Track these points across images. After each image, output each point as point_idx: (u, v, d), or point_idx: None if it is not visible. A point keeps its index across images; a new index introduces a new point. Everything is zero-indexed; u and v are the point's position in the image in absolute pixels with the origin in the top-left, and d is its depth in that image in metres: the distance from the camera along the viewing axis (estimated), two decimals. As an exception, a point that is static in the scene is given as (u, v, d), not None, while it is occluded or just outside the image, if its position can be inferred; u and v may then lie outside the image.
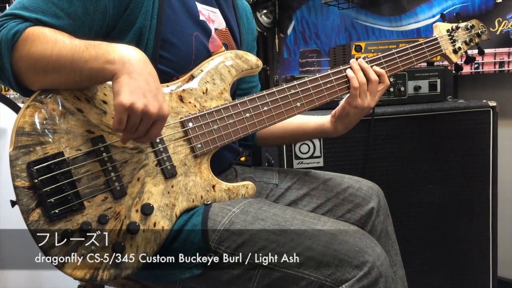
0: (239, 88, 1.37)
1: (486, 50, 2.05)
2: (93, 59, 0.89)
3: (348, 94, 1.21)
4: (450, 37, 1.41)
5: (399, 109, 1.76)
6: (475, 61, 2.14)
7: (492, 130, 1.79)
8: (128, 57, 0.90)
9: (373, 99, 1.21)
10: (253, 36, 1.43)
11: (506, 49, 2.07)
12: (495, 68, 2.11)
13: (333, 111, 1.27)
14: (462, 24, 1.44)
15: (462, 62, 1.49)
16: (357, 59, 1.23)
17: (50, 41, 0.90)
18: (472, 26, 1.45)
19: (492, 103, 1.78)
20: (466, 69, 2.18)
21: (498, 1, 2.07)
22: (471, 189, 1.81)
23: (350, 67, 1.21)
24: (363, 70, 1.21)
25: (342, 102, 1.23)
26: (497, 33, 2.07)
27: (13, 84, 0.93)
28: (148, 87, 0.90)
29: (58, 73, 0.91)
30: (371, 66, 1.22)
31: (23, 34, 0.90)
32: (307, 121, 1.32)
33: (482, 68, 2.15)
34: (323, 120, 1.29)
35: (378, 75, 1.21)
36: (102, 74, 0.90)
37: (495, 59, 2.10)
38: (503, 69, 2.09)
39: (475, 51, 1.52)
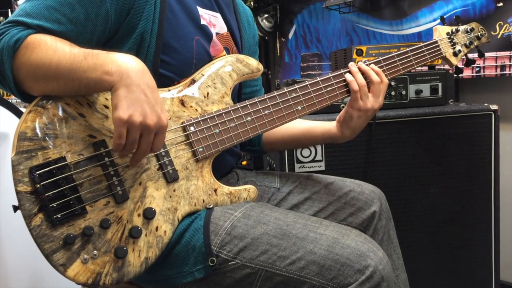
0: (242, 93, 1.37)
1: (488, 54, 2.05)
2: (91, 70, 0.89)
3: (350, 98, 1.22)
4: (450, 40, 1.41)
5: (400, 112, 1.76)
6: (476, 65, 2.14)
7: (493, 133, 1.79)
8: (125, 68, 0.89)
9: (376, 100, 1.20)
10: (255, 41, 1.44)
11: (507, 53, 2.07)
12: (496, 71, 2.12)
13: (338, 116, 1.27)
14: (461, 27, 1.44)
15: (463, 65, 1.50)
16: (357, 63, 1.23)
17: (50, 49, 0.90)
18: (472, 29, 1.45)
19: (494, 107, 1.78)
20: (468, 73, 2.18)
21: (499, 4, 2.07)
22: (473, 193, 1.81)
23: (349, 71, 1.21)
24: (363, 72, 1.21)
25: (345, 107, 1.23)
26: (498, 36, 2.08)
27: (14, 90, 0.93)
28: (146, 98, 0.90)
29: (57, 81, 0.91)
30: (369, 65, 1.22)
31: (25, 41, 0.91)
32: (314, 127, 1.32)
33: (484, 72, 2.15)
34: (329, 125, 1.29)
35: (376, 73, 1.21)
36: (100, 85, 0.90)
37: (496, 62, 2.10)
38: (504, 72, 2.09)
39: (476, 54, 1.52)
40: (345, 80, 1.22)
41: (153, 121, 0.90)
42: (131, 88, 0.88)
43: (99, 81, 0.89)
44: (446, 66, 1.99)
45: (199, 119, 1.07)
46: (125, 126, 0.87)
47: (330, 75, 1.21)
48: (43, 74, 0.91)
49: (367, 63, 1.24)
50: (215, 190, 1.10)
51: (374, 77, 1.20)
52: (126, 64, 0.90)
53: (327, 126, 1.29)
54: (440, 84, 1.85)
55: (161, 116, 0.92)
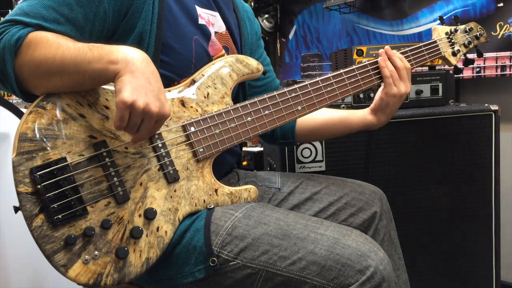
0: (254, 86, 1.37)
1: (488, 54, 2.05)
2: (96, 60, 0.90)
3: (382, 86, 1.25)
4: (449, 39, 1.41)
5: (401, 113, 1.76)
6: (477, 65, 2.14)
7: (494, 134, 1.79)
8: (131, 56, 0.90)
9: (406, 84, 1.25)
10: (257, 36, 1.43)
11: (507, 53, 2.07)
12: (496, 72, 2.12)
13: (371, 105, 1.30)
14: (460, 27, 1.45)
15: (462, 65, 1.50)
16: (358, 63, 1.24)
17: (53, 45, 0.91)
18: (471, 29, 1.45)
19: (494, 107, 1.78)
20: (468, 73, 2.18)
21: (500, 5, 2.07)
22: (474, 193, 1.81)
23: (381, 57, 1.26)
24: (389, 57, 1.25)
25: (379, 94, 1.27)
26: (499, 37, 2.08)
27: (16, 90, 0.93)
28: (150, 86, 0.90)
29: (61, 75, 0.91)
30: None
31: (26, 39, 0.91)
32: (350, 115, 1.35)
33: (484, 72, 2.15)
34: (363, 113, 1.33)
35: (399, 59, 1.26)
36: (105, 74, 0.90)
37: (496, 63, 2.10)
38: (504, 73, 2.09)
39: (475, 54, 1.52)
40: (344, 80, 1.22)
41: (157, 108, 0.90)
42: (136, 75, 0.89)
43: (104, 71, 0.90)
44: (447, 67, 1.99)
45: (199, 119, 1.07)
46: (128, 110, 0.88)
47: (329, 74, 1.22)
48: (47, 70, 0.91)
49: (368, 63, 1.24)
50: (216, 190, 1.10)
51: (398, 62, 1.25)
52: (131, 54, 0.91)
53: (361, 114, 1.33)
54: (440, 85, 1.85)
55: (164, 104, 0.92)
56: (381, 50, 1.26)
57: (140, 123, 0.91)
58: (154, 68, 0.93)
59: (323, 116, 1.36)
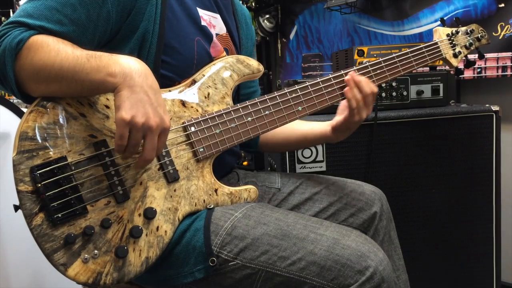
0: (240, 94, 1.37)
1: (489, 55, 2.05)
2: (94, 71, 0.90)
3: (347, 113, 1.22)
4: (450, 41, 1.42)
5: (401, 113, 1.76)
6: (478, 66, 2.14)
7: (495, 134, 1.79)
8: (129, 70, 0.90)
9: (369, 108, 1.22)
10: (252, 42, 1.44)
11: (508, 54, 2.07)
12: (497, 72, 2.11)
13: (333, 123, 1.26)
14: (462, 29, 1.45)
15: (463, 66, 1.50)
16: (358, 63, 1.23)
17: (52, 50, 0.90)
18: (472, 31, 1.46)
19: (495, 108, 1.78)
20: (469, 74, 2.18)
21: (501, 5, 2.07)
22: (474, 194, 1.81)
23: (347, 84, 1.20)
24: (356, 84, 1.19)
25: (341, 117, 1.23)
26: (500, 37, 2.07)
27: (16, 92, 0.93)
28: (149, 99, 0.90)
29: (60, 82, 0.91)
30: (359, 74, 1.22)
31: (27, 42, 0.90)
32: (311, 130, 1.33)
33: (485, 73, 2.15)
34: (325, 129, 1.30)
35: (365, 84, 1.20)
36: (103, 86, 0.90)
37: (497, 63, 2.10)
38: (505, 73, 2.09)
39: (476, 56, 1.52)
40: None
41: (156, 122, 0.90)
42: (134, 89, 0.89)
43: (102, 83, 0.90)
44: (448, 67, 1.99)
45: (200, 119, 1.08)
46: (127, 127, 0.88)
47: (330, 75, 1.22)
48: (46, 76, 0.91)
49: (367, 63, 1.24)
50: (216, 190, 1.10)
51: (366, 88, 1.19)
52: (129, 66, 0.91)
53: (322, 130, 1.30)
54: (441, 85, 1.85)
55: (163, 118, 0.92)
56: (347, 78, 1.19)
57: (144, 141, 0.91)
58: (153, 80, 0.93)
59: (285, 132, 1.34)
